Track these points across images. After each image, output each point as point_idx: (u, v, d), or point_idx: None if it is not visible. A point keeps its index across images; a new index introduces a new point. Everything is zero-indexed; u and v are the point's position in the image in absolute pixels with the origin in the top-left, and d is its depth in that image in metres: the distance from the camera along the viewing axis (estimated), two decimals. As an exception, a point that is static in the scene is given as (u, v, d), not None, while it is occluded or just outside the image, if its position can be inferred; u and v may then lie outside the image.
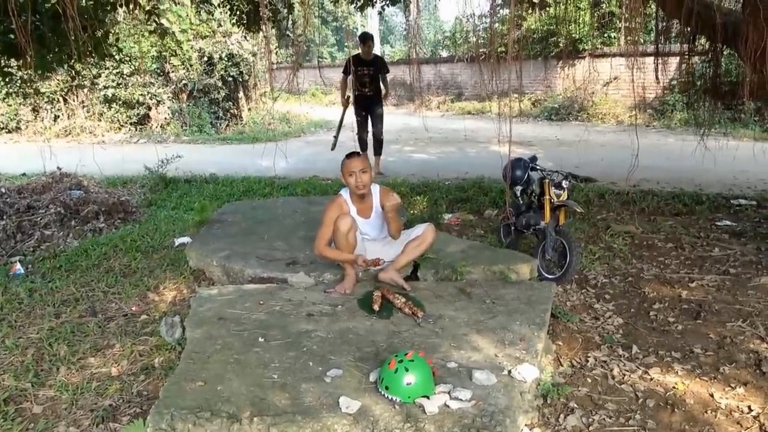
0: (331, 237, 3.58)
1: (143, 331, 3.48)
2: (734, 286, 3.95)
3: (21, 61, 4.19)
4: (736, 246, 4.75)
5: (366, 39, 7.87)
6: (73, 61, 5.12)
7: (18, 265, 4.55)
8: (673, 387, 2.78)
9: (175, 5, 12.71)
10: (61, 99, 14.15)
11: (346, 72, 7.98)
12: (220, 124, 14.65)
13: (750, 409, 2.59)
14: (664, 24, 5.26)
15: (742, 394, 2.71)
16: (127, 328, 3.52)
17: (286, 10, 7.25)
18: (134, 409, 2.70)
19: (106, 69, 13.18)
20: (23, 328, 3.56)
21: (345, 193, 3.73)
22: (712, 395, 2.71)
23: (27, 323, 3.62)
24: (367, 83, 7.77)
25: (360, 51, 7.93)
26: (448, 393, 2.45)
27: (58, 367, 3.07)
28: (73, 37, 3.08)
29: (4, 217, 5.45)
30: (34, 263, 4.74)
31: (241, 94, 15.29)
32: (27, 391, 2.86)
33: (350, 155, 3.67)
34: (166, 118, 14.20)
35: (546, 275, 4.04)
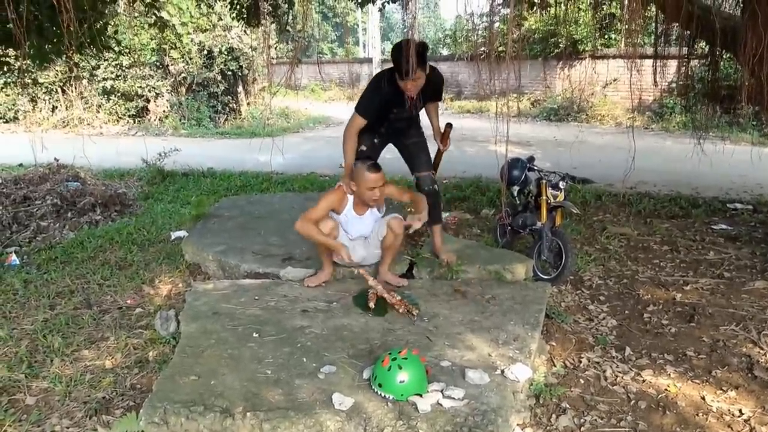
0: (317, 219, 3.51)
1: (138, 324, 3.48)
2: (728, 290, 3.96)
3: (19, 52, 4.17)
4: (732, 250, 4.76)
5: (408, 65, 3.41)
6: (71, 52, 5.11)
7: (13, 256, 4.54)
8: (666, 389, 2.79)
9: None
10: (59, 90, 14.11)
11: (366, 114, 3.76)
12: (219, 118, 14.63)
13: (741, 413, 2.60)
14: (664, 27, 5.27)
15: (733, 398, 2.73)
16: (121, 321, 3.52)
17: (286, 5, 7.22)
18: (127, 402, 2.70)
19: (105, 61, 13.13)
20: (17, 319, 3.55)
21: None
22: (703, 398, 2.73)
23: (21, 314, 3.61)
24: (409, 121, 3.99)
25: (402, 82, 3.58)
26: (441, 391, 2.46)
27: (52, 359, 3.07)
28: (70, 29, 3.07)
29: (0, 208, 5.44)
30: (29, 254, 4.73)
31: (240, 89, 15.28)
32: (20, 383, 2.86)
33: (373, 167, 3.47)
34: (164, 111, 14.17)
35: (541, 276, 4.05)
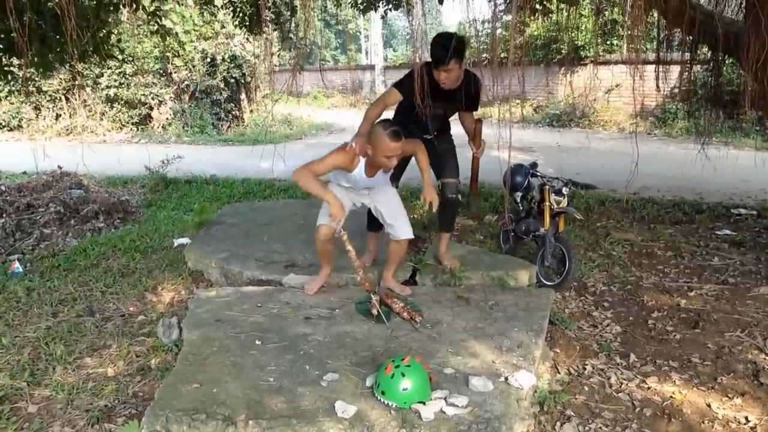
0: (320, 174, 3.36)
1: (140, 331, 3.47)
2: (733, 296, 3.94)
3: (22, 60, 4.19)
4: (736, 255, 4.74)
5: (439, 58, 3.53)
6: (74, 60, 5.13)
7: (16, 264, 4.54)
8: (671, 396, 2.77)
9: (179, 6, 12.73)
10: (63, 98, 14.16)
11: (401, 90, 3.73)
12: (222, 126, 14.66)
13: (747, 420, 2.59)
14: (666, 33, 5.26)
15: (739, 405, 2.71)
16: (124, 328, 3.51)
17: (288, 13, 7.25)
18: (129, 410, 2.70)
19: (108, 69, 13.19)
20: (20, 326, 3.55)
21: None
22: (709, 405, 2.71)
23: (24, 322, 3.61)
24: (433, 126, 3.94)
25: (436, 71, 3.60)
26: (445, 399, 2.45)
27: (54, 367, 3.06)
28: (74, 37, 3.08)
29: (4, 215, 5.45)
30: (32, 262, 4.73)
31: (243, 96, 15.32)
32: (23, 390, 2.86)
33: (395, 135, 3.21)
34: (167, 119, 14.21)
35: (545, 282, 4.04)
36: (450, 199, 3.96)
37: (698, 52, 5.27)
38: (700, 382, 2.90)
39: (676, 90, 11.29)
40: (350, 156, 3.36)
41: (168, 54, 13.72)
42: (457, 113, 4.03)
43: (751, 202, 6.59)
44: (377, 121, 3.47)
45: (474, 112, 4.06)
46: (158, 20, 5.90)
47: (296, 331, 3.12)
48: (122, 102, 14.07)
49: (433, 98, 3.59)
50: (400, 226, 3.57)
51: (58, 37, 4.68)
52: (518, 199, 4.54)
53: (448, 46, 3.48)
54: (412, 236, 3.61)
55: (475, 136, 4.05)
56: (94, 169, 7.05)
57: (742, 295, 3.96)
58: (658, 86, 4.89)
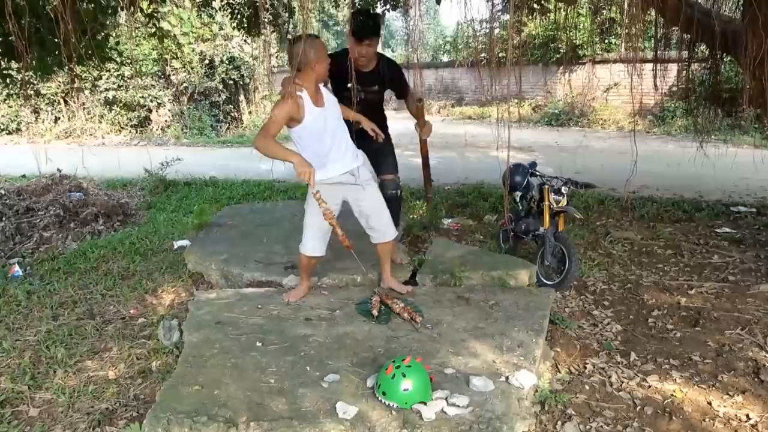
0: (276, 132, 3.16)
1: (141, 334, 3.47)
2: (733, 294, 3.94)
3: (21, 64, 4.20)
4: (736, 253, 4.74)
5: (366, 29, 3.65)
6: (73, 63, 5.14)
7: (16, 267, 4.54)
8: (671, 394, 2.78)
9: (177, 8, 12.73)
10: (61, 101, 14.18)
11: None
12: (221, 127, 14.67)
13: (748, 418, 2.59)
14: (664, 31, 5.27)
15: (740, 402, 2.71)
16: (124, 331, 3.51)
17: (286, 14, 7.26)
18: (131, 413, 2.69)
19: (107, 71, 13.21)
20: (21, 330, 3.55)
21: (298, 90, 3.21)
22: (710, 403, 2.71)
23: (24, 325, 3.61)
24: (367, 113, 3.70)
25: (353, 49, 3.65)
26: (446, 399, 2.45)
27: (55, 370, 3.06)
28: (72, 40, 3.08)
29: (3, 219, 5.45)
30: (32, 265, 4.73)
31: (241, 97, 15.33)
32: (24, 394, 2.86)
33: (310, 34, 3.17)
34: (166, 121, 14.22)
35: (545, 281, 4.04)
36: (391, 195, 3.88)
37: (696, 50, 5.28)
38: (701, 380, 2.90)
39: (675, 88, 11.31)
40: (292, 101, 3.16)
41: (166, 56, 13.74)
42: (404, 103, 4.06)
43: (751, 200, 6.59)
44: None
45: (414, 95, 4.03)
46: (156, 22, 5.90)
47: (297, 332, 3.12)
48: (121, 104, 14.09)
49: (357, 81, 3.57)
50: (384, 227, 3.52)
51: (56, 40, 4.68)
52: (518, 199, 4.54)
53: (371, 20, 3.61)
54: (397, 234, 3.58)
55: (418, 117, 4.02)
56: (94, 172, 7.05)
57: (742, 292, 3.96)
58: (656, 85, 4.90)
